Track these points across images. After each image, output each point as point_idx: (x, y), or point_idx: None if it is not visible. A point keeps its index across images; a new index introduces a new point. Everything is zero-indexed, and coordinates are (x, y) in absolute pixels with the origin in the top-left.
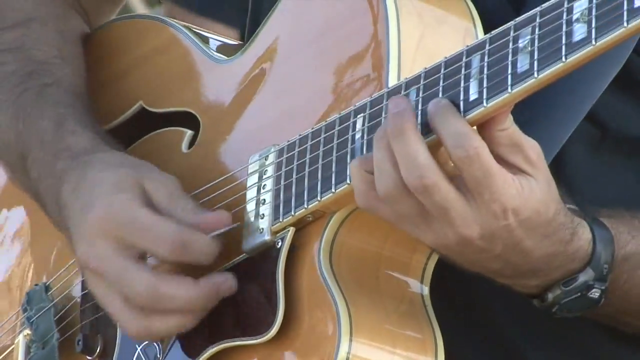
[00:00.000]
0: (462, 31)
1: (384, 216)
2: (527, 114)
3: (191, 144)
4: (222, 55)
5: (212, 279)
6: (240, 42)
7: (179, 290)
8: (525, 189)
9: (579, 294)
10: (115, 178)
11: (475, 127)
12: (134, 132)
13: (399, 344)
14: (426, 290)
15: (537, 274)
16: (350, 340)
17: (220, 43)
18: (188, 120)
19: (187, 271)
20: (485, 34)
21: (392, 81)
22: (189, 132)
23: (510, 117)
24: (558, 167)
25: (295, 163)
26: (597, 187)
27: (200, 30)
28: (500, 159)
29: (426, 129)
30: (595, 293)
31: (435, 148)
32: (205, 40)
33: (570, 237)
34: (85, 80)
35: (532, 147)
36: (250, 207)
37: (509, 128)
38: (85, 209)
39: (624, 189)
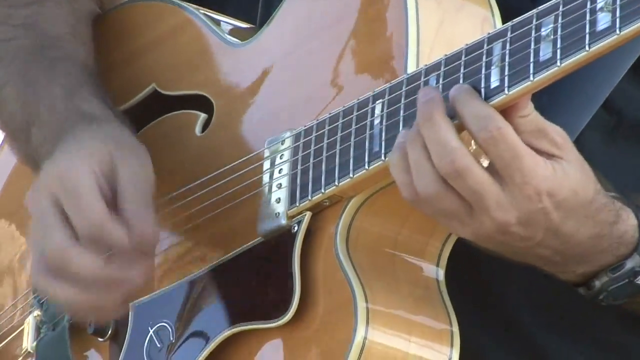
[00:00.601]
0: (481, 19)
1: (428, 212)
2: (545, 100)
3: (204, 127)
4: (236, 39)
5: (123, 269)
6: (252, 26)
7: (87, 262)
8: (558, 171)
9: (626, 280)
10: (93, 145)
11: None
12: (146, 114)
13: (415, 329)
14: (442, 275)
15: (585, 259)
16: (367, 324)
17: (232, 26)
18: (201, 103)
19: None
20: (502, 22)
21: (411, 67)
22: (202, 115)
23: (531, 104)
24: None
25: (312, 148)
26: (612, 174)
27: (212, 13)
28: (526, 146)
29: (448, 115)
30: None
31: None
32: (217, 23)
33: (615, 219)
34: (96, 60)
35: (556, 130)
36: (266, 191)
37: (531, 114)
38: (51, 163)
39: (638, 176)
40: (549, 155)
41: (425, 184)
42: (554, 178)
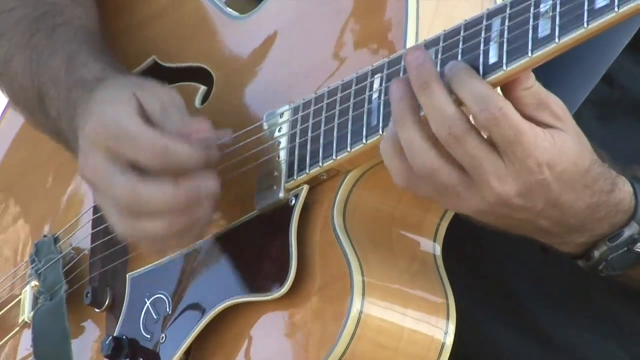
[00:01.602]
0: None
1: (426, 193)
2: (543, 74)
3: (204, 99)
4: (235, 12)
5: (192, 178)
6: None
7: (157, 191)
8: (557, 142)
9: (625, 248)
10: (113, 94)
11: (498, 89)
12: None
13: (411, 303)
14: (438, 250)
15: (583, 228)
16: (363, 298)
17: None
18: (201, 75)
19: None
20: None
21: (410, 42)
22: (202, 88)
23: (533, 76)
24: None
25: (310, 121)
26: (609, 150)
27: None
28: (527, 118)
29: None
30: None
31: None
32: None
33: (611, 187)
34: (97, 23)
35: (556, 102)
36: (264, 164)
37: (533, 86)
38: (84, 124)
39: (633, 152)
40: (547, 126)
41: (422, 161)
42: (554, 149)
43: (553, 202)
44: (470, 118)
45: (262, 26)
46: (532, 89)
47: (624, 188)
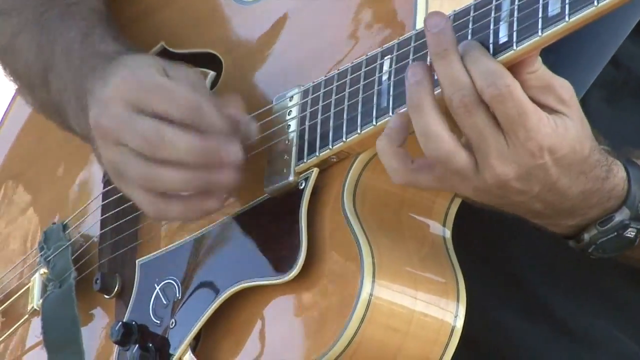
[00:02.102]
0: None
1: (424, 184)
2: (552, 58)
3: (213, 85)
4: None
5: (218, 138)
6: None
7: (183, 137)
8: (560, 127)
9: (615, 233)
10: (142, 57)
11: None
12: None
13: (421, 286)
14: (448, 233)
15: (575, 213)
16: (373, 281)
17: None
18: (210, 61)
19: None
20: None
21: (420, 23)
22: (211, 73)
23: (539, 59)
24: None
25: (320, 104)
26: (617, 131)
27: None
28: (532, 101)
29: None
30: (631, 232)
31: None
32: None
33: (606, 175)
34: (108, 8)
35: (563, 86)
36: (274, 147)
37: (539, 69)
38: (109, 79)
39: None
40: (552, 110)
41: (438, 146)
42: (556, 134)
43: (549, 187)
44: None
45: (271, 10)
46: (538, 72)
47: (619, 174)
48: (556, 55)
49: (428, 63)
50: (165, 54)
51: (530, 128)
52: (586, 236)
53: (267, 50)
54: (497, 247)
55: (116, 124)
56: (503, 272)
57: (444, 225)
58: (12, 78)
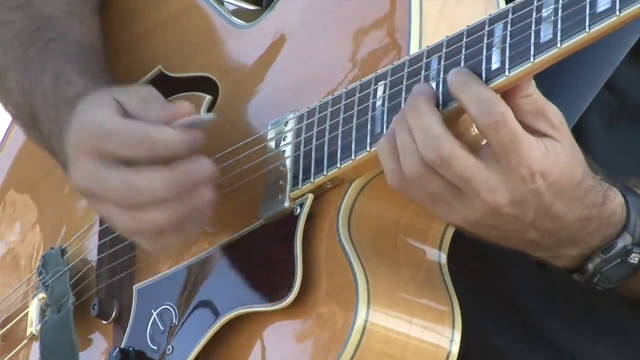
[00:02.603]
0: (484, 2)
1: (416, 198)
2: (547, 82)
3: (209, 109)
4: (241, 21)
5: (185, 162)
6: (257, 8)
7: (151, 177)
8: (551, 151)
9: (619, 260)
10: (93, 99)
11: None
12: None
13: (417, 312)
14: (444, 258)
15: (575, 241)
16: (368, 307)
17: (235, 7)
18: (207, 85)
19: None
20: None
21: (414, 49)
22: (207, 97)
23: (534, 83)
24: (576, 137)
25: (315, 130)
26: (614, 157)
27: None
28: (524, 126)
29: (447, 97)
30: (634, 258)
31: (455, 117)
32: (223, 4)
33: (603, 200)
34: (96, 36)
35: (554, 112)
36: (269, 173)
37: (533, 94)
38: (67, 135)
39: None
40: (543, 135)
41: (411, 164)
42: (547, 159)
43: (544, 213)
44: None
45: (267, 35)
46: (532, 97)
47: (615, 200)
48: (550, 80)
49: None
50: (162, 78)
51: (522, 154)
52: (590, 266)
53: (263, 74)
54: (494, 272)
55: (89, 183)
56: (501, 297)
57: (439, 249)
58: (10, 114)
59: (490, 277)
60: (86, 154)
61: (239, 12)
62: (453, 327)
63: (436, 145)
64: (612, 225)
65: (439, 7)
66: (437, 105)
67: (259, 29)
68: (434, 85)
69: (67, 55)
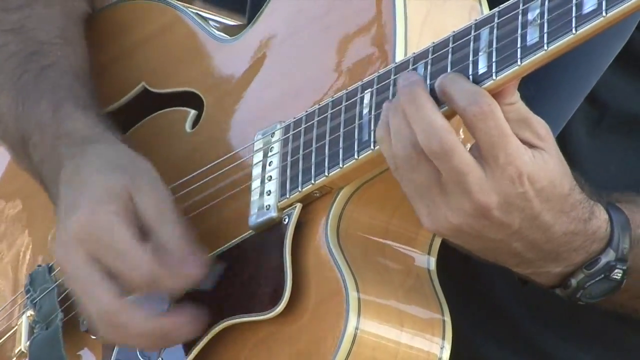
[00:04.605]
0: (468, 8)
1: (406, 189)
2: (533, 89)
3: (195, 123)
4: (224, 35)
5: (174, 317)
6: (240, 23)
7: (136, 323)
8: (538, 159)
9: (602, 275)
10: (106, 183)
11: None
12: (136, 113)
13: (407, 319)
14: (433, 264)
15: (559, 257)
16: (359, 315)
17: (220, 24)
18: (191, 99)
19: None
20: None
21: (399, 57)
22: (192, 112)
23: (517, 93)
24: (560, 145)
25: (302, 139)
26: (597, 166)
27: (200, 10)
28: None
29: (437, 101)
30: (617, 274)
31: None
32: (206, 20)
33: (589, 216)
34: (87, 61)
35: (540, 122)
36: (256, 184)
37: (517, 102)
38: (70, 210)
39: (624, 168)
40: (529, 145)
41: (402, 147)
42: (535, 164)
43: (531, 221)
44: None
45: (251, 47)
46: (516, 105)
47: (601, 216)
48: (536, 89)
49: None
50: (146, 94)
51: (510, 152)
52: (573, 281)
53: (249, 87)
54: (481, 281)
55: (75, 278)
56: (487, 307)
57: (428, 254)
58: None
59: (477, 286)
60: (82, 249)
61: (223, 28)
62: (443, 333)
63: (439, 136)
64: (596, 242)
65: (423, 14)
66: None
67: (243, 42)
68: None
69: (64, 85)
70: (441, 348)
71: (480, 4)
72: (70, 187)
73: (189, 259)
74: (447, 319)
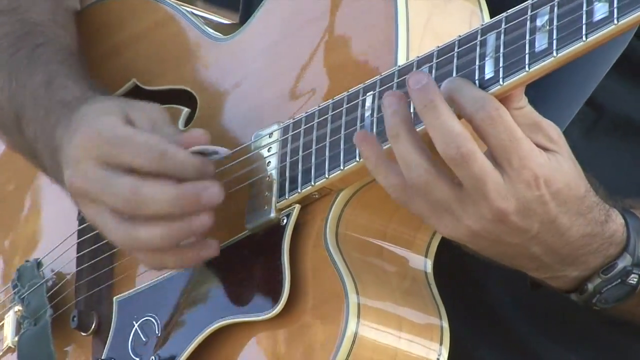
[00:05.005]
0: (469, 12)
1: (418, 209)
2: (532, 93)
3: (187, 121)
4: (219, 34)
5: (195, 183)
6: (234, 22)
7: (160, 190)
8: (553, 162)
9: (619, 280)
10: (102, 106)
11: None
12: None
13: (405, 324)
14: (430, 267)
15: (577, 260)
16: (358, 317)
17: (215, 22)
18: (184, 98)
19: None
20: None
21: (401, 59)
22: (185, 110)
23: (525, 97)
24: None
25: (301, 140)
26: (590, 169)
27: (194, 8)
28: None
29: None
30: (633, 279)
31: None
32: (200, 19)
33: (605, 219)
34: (77, 44)
35: (551, 125)
36: (254, 184)
37: (525, 107)
38: (72, 136)
39: (617, 171)
40: (543, 149)
41: (418, 175)
42: (550, 166)
43: (549, 225)
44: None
45: (247, 46)
46: (525, 110)
47: (617, 220)
48: (535, 93)
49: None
50: (137, 90)
51: (523, 156)
52: (590, 286)
53: (244, 86)
54: (475, 287)
55: (91, 185)
56: (482, 311)
57: (425, 256)
58: None
59: (472, 293)
60: (93, 157)
61: (217, 27)
62: (441, 339)
63: (458, 143)
64: (613, 246)
65: (425, 17)
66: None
67: (238, 41)
68: None
69: (58, 60)
70: (438, 355)
71: (481, 9)
72: (67, 130)
73: (191, 134)
74: (446, 324)
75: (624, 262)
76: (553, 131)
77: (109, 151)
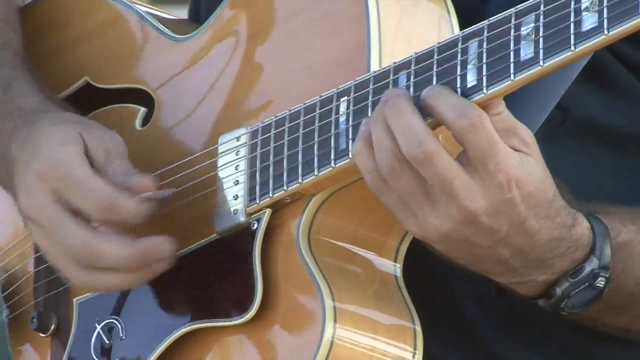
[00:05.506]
0: (437, 15)
1: (388, 201)
2: (504, 98)
3: (145, 121)
4: (175, 34)
5: (149, 240)
6: (183, 18)
7: (112, 248)
8: (525, 164)
9: (587, 284)
10: (60, 132)
11: None
12: (79, 108)
13: (380, 328)
14: (399, 271)
15: (544, 264)
16: (335, 322)
17: (170, 21)
18: (139, 97)
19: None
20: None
21: (374, 61)
22: (142, 109)
23: (503, 102)
24: None
25: (272, 145)
26: (554, 170)
27: (150, 7)
28: None
29: (422, 113)
30: (600, 282)
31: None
32: (155, 17)
33: (572, 223)
34: (27, 48)
35: (525, 130)
36: (223, 188)
37: (503, 112)
38: (29, 160)
39: (580, 174)
40: (517, 151)
41: (386, 158)
42: (522, 169)
43: (518, 227)
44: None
45: (208, 47)
46: (502, 115)
47: (583, 224)
48: (505, 98)
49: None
50: (88, 89)
51: (499, 160)
52: (558, 290)
53: (206, 88)
54: (439, 289)
55: (45, 221)
56: (445, 313)
57: (395, 261)
58: None
59: (436, 294)
60: (46, 189)
61: (174, 25)
62: (415, 343)
63: (419, 141)
64: (580, 249)
65: (395, 21)
66: None
67: (198, 41)
68: None
69: (13, 65)
70: (413, 356)
71: (449, 13)
72: (25, 147)
73: (140, 180)
74: (418, 328)
75: (592, 265)
76: (527, 135)
77: (62, 188)
